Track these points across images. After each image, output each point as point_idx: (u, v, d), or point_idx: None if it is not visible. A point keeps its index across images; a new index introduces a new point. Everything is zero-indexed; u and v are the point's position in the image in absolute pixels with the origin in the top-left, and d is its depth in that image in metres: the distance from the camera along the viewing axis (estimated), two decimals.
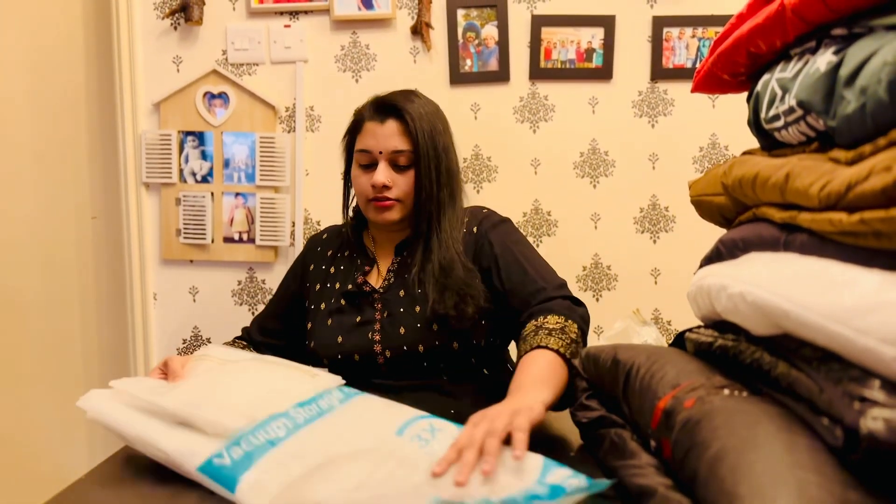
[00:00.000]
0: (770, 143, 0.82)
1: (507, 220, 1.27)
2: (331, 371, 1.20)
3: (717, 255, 0.85)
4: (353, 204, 1.33)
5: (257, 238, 1.80)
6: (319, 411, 0.80)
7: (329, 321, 1.21)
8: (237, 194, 1.81)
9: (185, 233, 1.81)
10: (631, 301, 1.78)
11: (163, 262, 1.84)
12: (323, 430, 0.77)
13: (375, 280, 1.24)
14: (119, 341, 1.87)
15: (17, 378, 1.87)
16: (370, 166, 1.20)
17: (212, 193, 1.81)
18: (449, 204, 1.20)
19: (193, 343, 1.84)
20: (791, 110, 0.71)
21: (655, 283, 1.80)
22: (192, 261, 1.84)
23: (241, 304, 1.83)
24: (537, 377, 0.93)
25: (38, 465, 1.87)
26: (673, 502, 0.58)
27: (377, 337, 1.16)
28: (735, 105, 1.76)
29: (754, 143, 0.89)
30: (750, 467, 0.51)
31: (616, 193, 1.79)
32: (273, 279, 1.83)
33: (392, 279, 1.22)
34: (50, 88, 1.72)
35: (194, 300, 1.85)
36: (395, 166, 1.19)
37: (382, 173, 1.17)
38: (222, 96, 1.80)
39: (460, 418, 0.76)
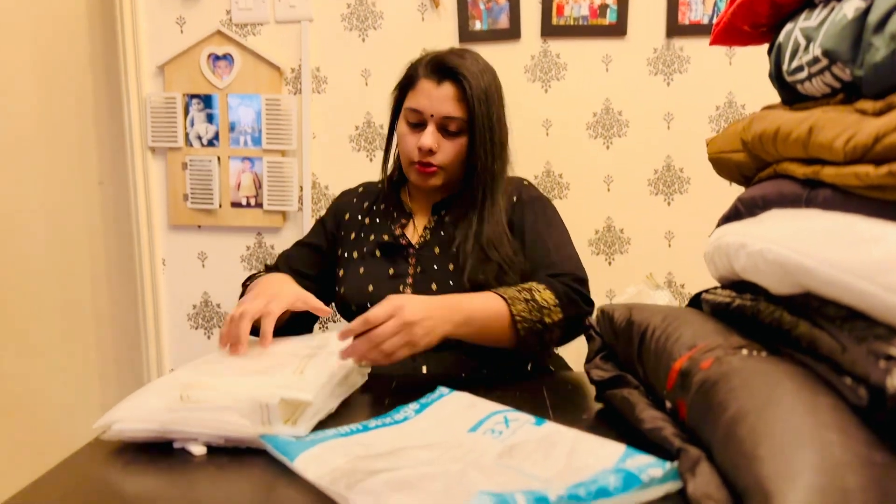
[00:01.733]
0: (792, 97, 0.79)
1: (544, 198, 1.25)
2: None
3: (735, 214, 0.83)
4: (395, 155, 1.30)
5: (265, 203, 1.79)
6: (393, 420, 0.78)
7: (361, 269, 1.20)
8: (244, 158, 1.79)
9: (192, 198, 1.80)
10: (644, 265, 1.76)
11: (171, 227, 1.84)
12: (393, 431, 0.75)
13: (411, 235, 1.23)
14: (129, 307, 1.87)
15: (30, 345, 1.89)
16: (418, 126, 1.17)
17: (218, 158, 1.79)
18: (500, 176, 1.19)
19: (203, 309, 1.85)
20: (815, 60, 0.68)
21: (669, 246, 1.78)
22: (199, 226, 1.83)
23: (250, 270, 1.83)
24: (466, 310, 0.97)
25: (53, 432, 1.90)
26: (692, 455, 0.57)
27: (408, 291, 1.15)
28: (753, 62, 1.71)
29: (773, 101, 0.87)
30: (770, 428, 0.49)
31: (630, 154, 1.76)
32: (281, 244, 1.82)
33: (428, 236, 1.21)
34: (53, 54, 1.70)
35: (203, 266, 1.84)
36: (444, 131, 1.16)
37: (430, 137, 1.14)
38: (227, 58, 1.78)
39: (484, 379, 0.78)
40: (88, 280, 1.89)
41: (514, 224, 1.19)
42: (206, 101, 1.79)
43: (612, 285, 1.78)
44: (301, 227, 1.80)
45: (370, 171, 1.76)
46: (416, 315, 0.89)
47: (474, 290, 1.09)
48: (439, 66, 1.15)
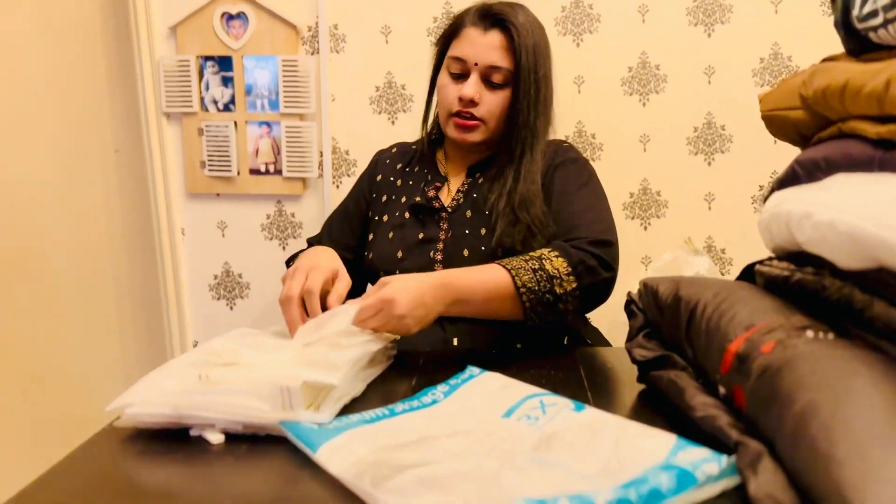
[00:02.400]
0: (861, 46, 0.71)
1: (581, 160, 1.19)
2: None
3: (793, 178, 0.77)
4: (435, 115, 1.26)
5: (284, 169, 1.75)
6: (421, 404, 0.74)
7: (391, 234, 1.17)
8: (261, 123, 1.75)
9: (209, 165, 1.77)
10: (682, 229, 1.70)
11: (189, 195, 1.81)
12: (422, 417, 0.71)
13: (445, 198, 1.19)
14: (149, 278, 1.86)
15: (50, 317, 1.89)
16: (460, 77, 1.13)
17: (235, 123, 1.75)
18: (541, 135, 1.14)
19: (225, 279, 1.83)
20: (893, 4, 0.61)
21: (709, 208, 1.70)
22: (218, 194, 1.80)
23: (270, 239, 1.80)
24: (462, 287, 0.94)
25: (76, 406, 1.91)
26: (752, 449, 0.52)
27: (439, 256, 1.12)
28: (800, 9, 1.61)
29: (821, 53, 0.79)
30: (847, 425, 0.44)
31: (667, 111, 1.68)
32: (302, 212, 1.78)
33: (461, 199, 1.17)
34: (61, 18, 1.66)
35: (223, 235, 1.82)
36: (488, 82, 1.12)
37: (472, 86, 1.10)
38: (241, 17, 1.72)
39: (516, 355, 0.75)
40: (106, 251, 1.88)
41: (546, 187, 1.14)
42: (221, 63, 1.74)
43: (647, 251, 1.72)
44: (322, 194, 1.76)
45: (392, 134, 1.70)
46: (404, 308, 0.87)
47: (505, 255, 1.05)
48: (487, 14, 1.11)
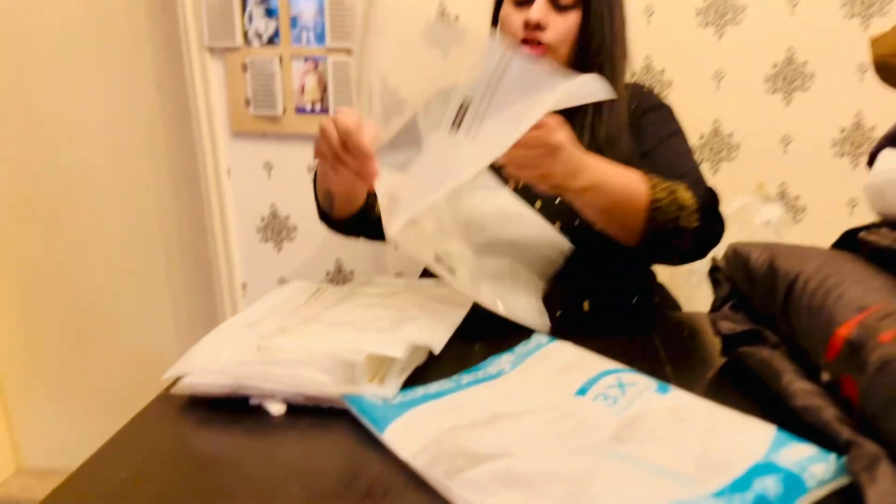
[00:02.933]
0: None
1: (666, 105, 1.12)
2: None
3: None
4: None
5: (331, 108, 1.69)
6: (487, 376, 0.71)
7: None
8: (307, 58, 1.69)
9: (254, 102, 1.72)
10: (754, 174, 1.60)
11: (233, 134, 1.78)
12: (489, 391, 0.68)
13: None
14: (195, 220, 1.86)
15: (97, 260, 1.92)
16: (526, 2, 1.05)
17: (279, 58, 1.69)
18: (620, 63, 1.07)
19: (272, 221, 1.81)
20: None
21: (785, 151, 1.60)
22: (263, 134, 1.76)
23: None
24: (604, 173, 0.86)
25: (128, 337, 1.96)
26: (868, 451, 0.48)
27: None
28: None
29: None
30: None
31: (744, 45, 1.55)
32: None
33: None
34: None
35: (269, 176, 1.79)
36: (555, 5, 1.04)
37: (538, 9, 1.03)
38: None
39: (584, 319, 0.71)
40: (153, 190, 1.88)
41: (634, 131, 1.07)
42: None
43: None
44: None
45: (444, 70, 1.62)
46: (567, 145, 0.80)
47: None
48: None
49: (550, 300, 0.99)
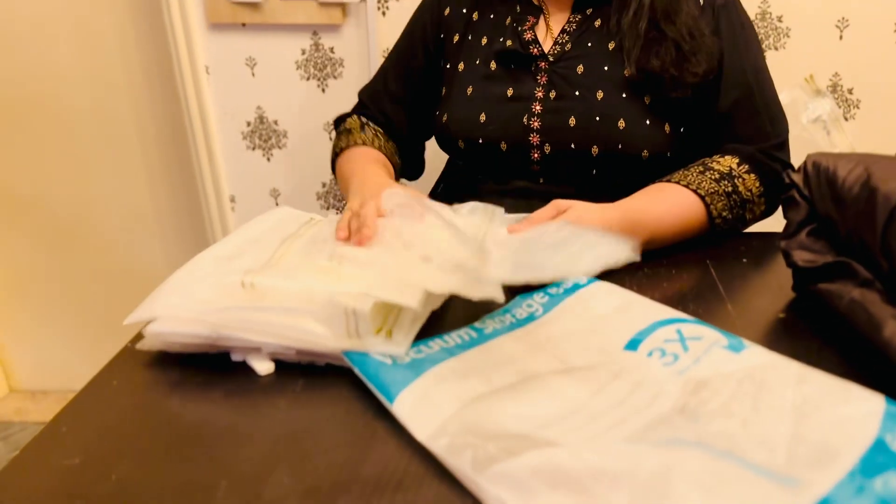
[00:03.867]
0: None
1: (738, 2, 0.95)
2: (466, 160, 1.00)
3: None
4: None
5: None
6: (515, 321, 0.61)
7: (469, 90, 0.96)
8: None
9: None
10: (804, 64, 1.45)
11: (211, 26, 1.61)
12: (519, 343, 0.58)
13: (543, 40, 0.95)
14: (174, 124, 1.72)
15: (75, 165, 1.80)
16: None
17: None
18: None
19: (259, 126, 1.67)
20: None
21: (840, 38, 1.44)
22: (244, 24, 1.59)
23: (308, 79, 1.61)
24: (653, 224, 0.79)
25: (112, 254, 1.87)
26: None
27: (536, 124, 0.92)
28: None
29: None
30: None
31: None
32: (343, 46, 1.57)
33: (568, 45, 0.93)
34: None
35: (253, 74, 1.63)
36: None
37: None
38: None
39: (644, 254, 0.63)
40: (125, 92, 1.73)
41: (705, 19, 0.92)
42: None
43: None
44: (365, 23, 1.54)
45: None
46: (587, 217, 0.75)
47: (649, 82, 0.88)
48: None
49: None
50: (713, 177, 0.84)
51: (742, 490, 0.37)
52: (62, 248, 1.89)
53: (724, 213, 0.83)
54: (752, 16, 1.44)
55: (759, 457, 0.41)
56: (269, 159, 1.69)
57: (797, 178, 0.64)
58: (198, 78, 1.63)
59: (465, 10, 1.01)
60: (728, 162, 0.86)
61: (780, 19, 1.44)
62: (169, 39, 1.59)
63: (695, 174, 0.85)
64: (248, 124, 1.67)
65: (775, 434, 0.43)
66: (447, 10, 1.03)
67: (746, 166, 0.85)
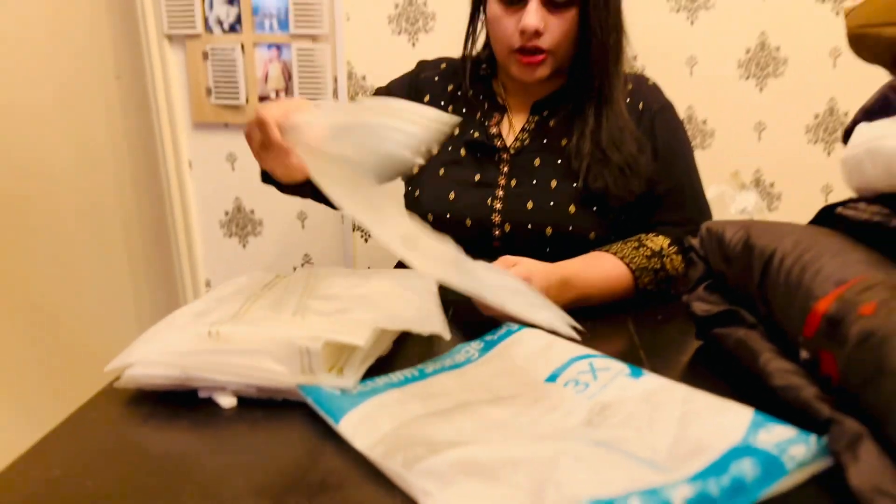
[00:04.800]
0: None
1: (672, 108, 1.09)
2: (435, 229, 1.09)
3: (884, 107, 0.68)
4: (481, 39, 1.11)
5: (296, 96, 1.65)
6: (454, 363, 0.68)
7: (441, 171, 1.06)
8: (270, 46, 1.64)
9: (216, 92, 1.68)
10: (729, 161, 1.59)
11: (195, 125, 1.73)
12: (455, 379, 0.65)
13: (506, 135, 1.07)
14: (158, 213, 1.80)
15: (58, 253, 1.85)
16: (516, 3, 0.97)
17: (242, 45, 1.65)
18: (619, 55, 1.01)
19: (236, 215, 1.76)
20: None
21: (759, 139, 1.59)
22: (226, 124, 1.71)
23: None
24: (582, 287, 0.88)
25: (87, 337, 1.89)
26: (849, 429, 0.46)
27: (498, 205, 1.02)
28: None
29: None
30: None
31: (716, 30, 1.55)
32: None
33: (527, 140, 1.05)
34: None
35: (233, 168, 1.74)
36: (550, 4, 0.96)
37: (534, 15, 0.95)
38: None
39: (572, 312, 0.71)
40: (112, 185, 1.82)
41: (643, 130, 1.04)
42: None
43: None
44: None
45: (413, 56, 1.59)
46: (535, 275, 0.82)
47: (596, 199, 0.98)
48: None
49: None
50: (645, 253, 0.94)
51: (621, 470, 0.44)
52: (37, 329, 1.91)
53: (650, 287, 0.93)
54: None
55: (644, 454, 0.47)
56: (244, 246, 1.77)
57: (695, 242, 0.74)
58: (181, 171, 1.73)
59: (442, 102, 1.12)
60: (660, 242, 0.96)
61: (704, 122, 1.59)
62: (156, 136, 1.70)
63: (630, 249, 0.95)
64: (227, 213, 1.76)
65: (661, 438, 0.50)
66: (427, 98, 1.13)
67: (675, 248, 0.96)
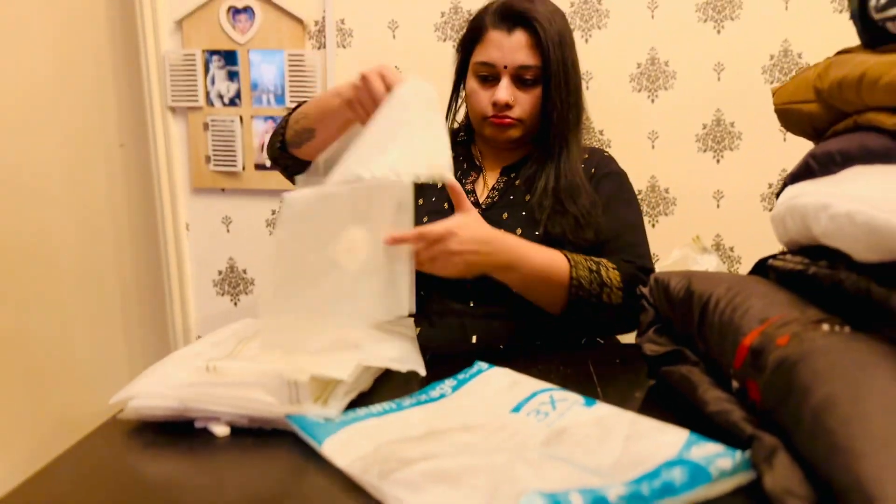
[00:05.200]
0: (878, 38, 0.71)
1: (624, 173, 1.20)
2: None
3: (807, 172, 0.76)
4: (461, 110, 1.25)
5: None
6: (429, 398, 0.74)
7: (426, 218, 1.14)
8: (267, 118, 1.74)
9: (214, 160, 1.77)
10: (690, 227, 1.69)
11: (194, 190, 1.81)
12: (429, 411, 0.70)
13: (480, 192, 1.18)
14: (154, 272, 1.86)
15: (53, 310, 1.89)
16: (490, 80, 1.12)
17: (240, 117, 1.75)
18: (577, 125, 1.14)
19: (229, 275, 1.82)
20: None
21: (717, 206, 1.69)
22: (223, 189, 1.80)
23: None
24: (522, 255, 0.95)
25: (80, 401, 1.91)
26: (767, 443, 0.52)
27: None
28: (810, 7, 1.60)
29: (832, 49, 0.79)
30: (866, 418, 0.44)
31: (676, 108, 1.67)
32: None
33: (496, 198, 1.15)
34: (68, 11, 1.65)
35: (228, 230, 1.82)
36: (519, 81, 1.11)
37: (505, 91, 1.09)
38: (247, 11, 1.71)
39: (525, 351, 0.75)
40: (111, 245, 1.88)
41: (592, 190, 1.14)
42: (227, 57, 1.74)
43: (655, 249, 1.68)
44: None
45: None
46: (463, 244, 0.89)
47: (549, 245, 1.05)
48: (508, 14, 1.09)
49: (504, 340, 1.03)
50: (585, 257, 1.01)
51: (566, 476, 0.49)
52: (32, 385, 1.93)
53: (583, 281, 0.97)
54: (642, 186, 1.69)
55: (591, 466, 0.53)
56: (236, 304, 1.83)
57: (645, 290, 0.81)
58: (179, 234, 1.80)
59: None
60: (601, 259, 1.03)
61: (666, 191, 1.69)
62: (156, 200, 1.77)
63: (577, 254, 1.02)
64: (220, 273, 1.82)
65: (609, 453, 0.55)
66: None
67: (613, 265, 1.02)
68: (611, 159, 1.22)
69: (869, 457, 0.41)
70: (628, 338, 1.06)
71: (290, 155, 1.17)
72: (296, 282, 0.81)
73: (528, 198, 1.13)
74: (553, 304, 1.00)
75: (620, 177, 1.19)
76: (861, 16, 0.72)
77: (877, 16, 0.68)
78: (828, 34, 1.56)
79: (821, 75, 0.75)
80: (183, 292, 1.81)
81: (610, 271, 1.00)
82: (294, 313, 0.80)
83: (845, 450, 0.43)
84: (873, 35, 0.71)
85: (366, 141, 0.85)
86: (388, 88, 0.91)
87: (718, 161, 1.68)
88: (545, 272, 0.97)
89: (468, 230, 0.90)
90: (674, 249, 1.65)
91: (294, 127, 1.12)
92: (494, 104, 1.10)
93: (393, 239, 0.84)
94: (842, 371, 0.49)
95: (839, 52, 0.79)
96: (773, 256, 0.78)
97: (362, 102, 0.94)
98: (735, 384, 0.62)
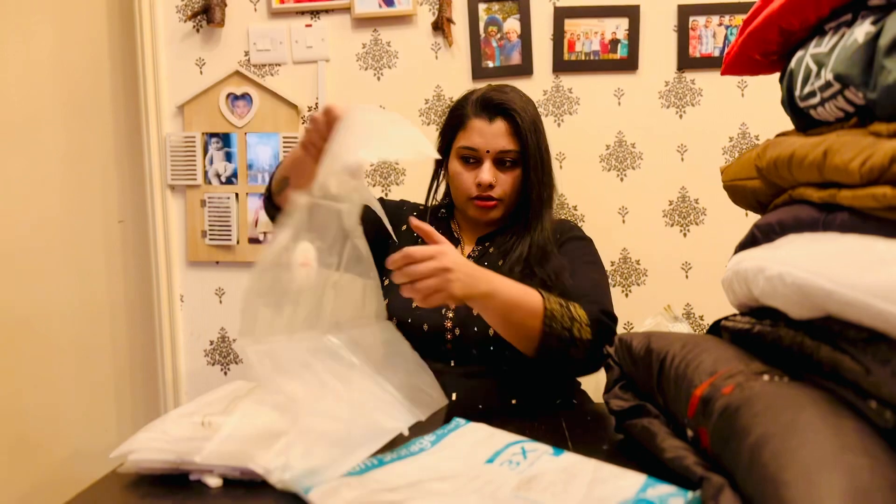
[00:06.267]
0: (805, 123, 0.79)
1: (589, 240, 1.28)
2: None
3: (752, 241, 0.83)
4: (441, 189, 1.34)
5: None
6: (409, 453, 0.77)
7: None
8: (261, 195, 1.82)
9: (210, 234, 1.83)
10: (661, 296, 1.75)
11: (189, 263, 1.86)
12: (409, 464, 0.74)
13: None
14: (147, 342, 1.88)
15: (47, 380, 1.90)
16: (473, 163, 1.21)
17: (236, 195, 1.82)
18: (549, 201, 1.24)
19: (220, 345, 1.85)
20: (828, 85, 0.68)
21: (686, 277, 1.76)
22: (217, 262, 1.85)
23: None
24: (501, 285, 0.98)
25: (70, 471, 1.89)
26: (714, 483, 0.56)
27: (450, 314, 1.16)
28: (765, 92, 1.72)
29: (787, 129, 0.87)
30: (795, 452, 0.48)
31: (644, 186, 1.76)
32: None
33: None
34: (75, 93, 1.75)
35: (220, 301, 1.86)
36: (500, 164, 1.20)
37: (488, 173, 1.19)
38: (245, 97, 1.81)
39: (503, 409, 0.78)
40: (108, 316, 1.91)
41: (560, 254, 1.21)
42: (225, 139, 1.83)
43: (629, 317, 1.77)
44: None
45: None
46: (456, 263, 0.92)
47: None
48: (489, 104, 1.20)
49: (483, 398, 1.07)
50: (556, 295, 1.04)
51: None
52: (18, 455, 1.91)
53: (556, 314, 0.99)
54: (614, 258, 1.76)
55: None
56: (225, 374, 1.85)
57: (611, 350, 0.86)
58: (173, 305, 1.84)
59: (414, 235, 1.28)
60: (569, 300, 1.06)
61: (638, 262, 1.77)
62: (152, 273, 1.82)
63: (550, 294, 1.05)
64: (211, 343, 1.85)
65: (574, 496, 0.59)
66: (404, 227, 1.30)
67: (579, 305, 1.05)
68: (576, 227, 1.30)
69: (794, 485, 0.46)
70: (599, 398, 1.09)
71: (275, 205, 1.20)
72: None
73: (500, 263, 1.20)
74: (528, 337, 1.01)
75: (584, 241, 1.27)
76: (790, 104, 0.81)
77: (801, 104, 0.76)
78: (781, 118, 1.66)
79: (760, 155, 0.83)
80: (174, 362, 1.83)
81: (578, 309, 1.03)
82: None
83: (774, 480, 0.47)
84: (801, 120, 0.80)
85: (340, 145, 0.86)
86: (335, 119, 0.94)
87: (685, 234, 1.76)
88: (520, 301, 0.99)
89: (454, 253, 0.94)
90: (647, 318, 1.71)
91: (275, 178, 1.18)
92: (479, 184, 1.19)
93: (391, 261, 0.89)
94: (776, 413, 0.54)
95: (778, 135, 0.87)
96: (726, 318, 0.83)
97: (312, 141, 0.98)
98: (690, 433, 0.66)
